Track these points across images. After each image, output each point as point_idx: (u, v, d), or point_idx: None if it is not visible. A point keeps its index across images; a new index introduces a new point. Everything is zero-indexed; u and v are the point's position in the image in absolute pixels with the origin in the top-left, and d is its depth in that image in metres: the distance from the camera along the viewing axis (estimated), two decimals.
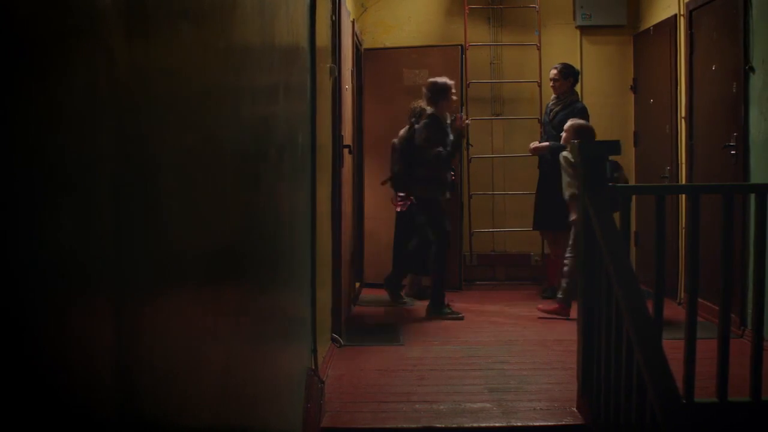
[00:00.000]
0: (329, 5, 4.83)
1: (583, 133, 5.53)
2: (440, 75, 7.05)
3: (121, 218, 1.28)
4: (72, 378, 1.12)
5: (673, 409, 2.53)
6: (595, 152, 3.60)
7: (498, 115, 7.62)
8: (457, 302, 6.59)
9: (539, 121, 7.21)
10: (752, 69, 5.10)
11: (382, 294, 6.88)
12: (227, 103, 2.04)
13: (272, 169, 2.74)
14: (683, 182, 6.27)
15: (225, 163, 2.02)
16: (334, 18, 4.98)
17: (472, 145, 7.39)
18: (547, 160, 6.58)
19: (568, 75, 6.67)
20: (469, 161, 7.40)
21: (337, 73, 4.97)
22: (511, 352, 4.88)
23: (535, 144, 6.82)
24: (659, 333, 3.54)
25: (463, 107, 7.25)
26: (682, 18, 6.33)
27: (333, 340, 5.01)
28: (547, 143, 6.65)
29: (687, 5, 6.18)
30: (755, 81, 5.08)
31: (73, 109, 1.11)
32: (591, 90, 7.45)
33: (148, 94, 1.40)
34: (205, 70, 1.80)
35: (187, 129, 1.65)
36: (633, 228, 6.49)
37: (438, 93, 6.14)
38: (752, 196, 4.09)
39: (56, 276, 1.05)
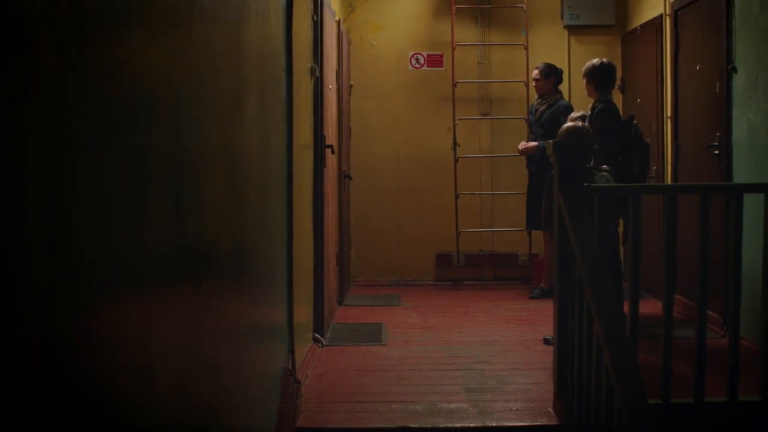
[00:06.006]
0: (310, 5, 4.82)
1: None
2: None
3: (56, 218, 1.27)
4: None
5: (638, 409, 2.52)
6: (569, 152, 3.60)
7: (485, 115, 7.62)
8: (445, 302, 6.59)
9: (526, 121, 7.20)
10: (735, 69, 5.10)
11: (369, 293, 6.90)
12: (187, 103, 2.04)
13: (238, 168, 2.73)
14: (669, 182, 6.26)
15: (181, 164, 2.01)
16: (315, 18, 4.98)
17: (459, 145, 7.39)
18: (536, 159, 6.58)
19: (550, 74, 6.69)
20: (456, 161, 7.39)
21: (318, 73, 4.96)
22: (493, 353, 4.87)
23: (523, 144, 6.82)
24: (634, 334, 3.54)
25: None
26: (667, 18, 6.33)
27: (315, 340, 5.00)
28: (535, 143, 6.65)
29: (672, 5, 6.18)
30: (738, 81, 5.08)
31: None
32: (579, 90, 7.41)
33: (84, 96, 1.39)
34: (157, 68, 1.80)
35: (135, 130, 1.64)
36: (621, 228, 6.48)
37: None
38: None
39: None
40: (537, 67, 6.75)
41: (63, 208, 1.31)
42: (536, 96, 6.86)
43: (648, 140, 5.40)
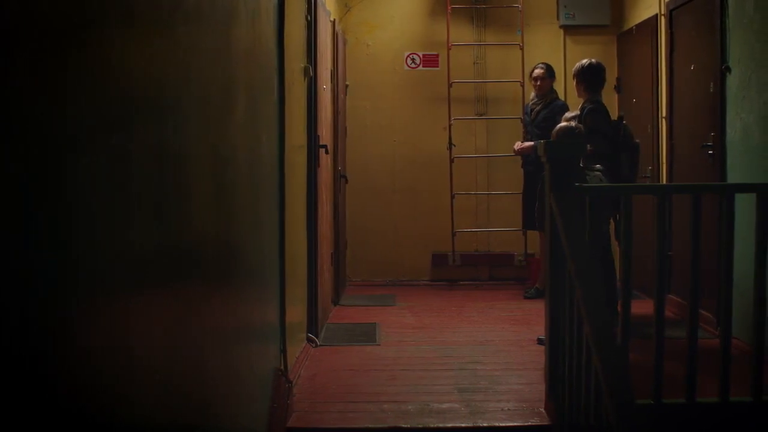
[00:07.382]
0: (303, 5, 4.82)
1: None
2: None
3: (38, 218, 1.27)
4: None
5: (626, 410, 2.52)
6: (561, 152, 3.59)
7: (481, 115, 7.62)
8: (440, 302, 6.59)
9: (521, 121, 7.20)
10: (729, 69, 5.10)
11: (365, 293, 6.90)
12: (172, 103, 2.03)
13: (227, 168, 2.73)
14: (664, 182, 6.27)
15: (167, 164, 2.00)
16: (309, 18, 4.97)
17: (455, 145, 7.39)
18: (532, 160, 6.57)
19: (553, 74, 6.73)
20: (452, 161, 7.39)
21: (312, 73, 4.95)
22: (486, 353, 4.87)
23: (519, 144, 6.82)
24: (626, 334, 3.54)
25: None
26: (662, 18, 6.33)
27: (308, 340, 5.00)
28: (531, 143, 6.64)
29: (667, 5, 6.18)
30: (731, 81, 5.08)
31: None
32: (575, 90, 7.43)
33: (68, 96, 1.39)
34: (141, 68, 1.79)
35: (117, 130, 1.64)
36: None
37: None
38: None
39: None
40: (540, 66, 6.74)
41: (46, 208, 1.31)
42: (532, 95, 6.86)
43: (638, 141, 5.40)
